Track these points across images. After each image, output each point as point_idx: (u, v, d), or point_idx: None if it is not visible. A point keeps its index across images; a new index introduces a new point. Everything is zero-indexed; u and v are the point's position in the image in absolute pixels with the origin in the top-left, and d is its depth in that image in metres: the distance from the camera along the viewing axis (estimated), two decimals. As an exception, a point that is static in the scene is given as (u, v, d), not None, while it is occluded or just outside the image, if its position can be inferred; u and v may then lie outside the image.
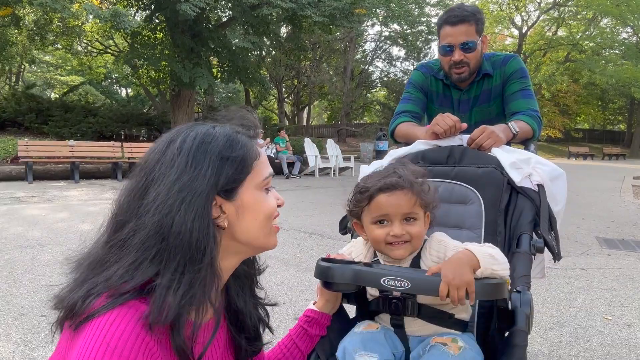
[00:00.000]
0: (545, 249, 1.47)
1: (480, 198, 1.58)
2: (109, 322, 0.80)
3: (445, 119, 1.81)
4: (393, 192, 1.23)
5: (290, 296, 3.77)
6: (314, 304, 1.39)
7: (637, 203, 10.30)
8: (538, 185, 1.61)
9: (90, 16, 15.19)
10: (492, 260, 1.12)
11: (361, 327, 1.30)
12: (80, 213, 7.36)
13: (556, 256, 1.46)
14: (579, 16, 35.98)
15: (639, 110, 39.37)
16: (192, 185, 0.91)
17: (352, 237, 1.62)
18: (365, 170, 1.75)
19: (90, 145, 13.42)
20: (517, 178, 1.61)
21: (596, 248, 5.81)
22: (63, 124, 16.45)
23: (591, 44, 36.30)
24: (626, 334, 3.19)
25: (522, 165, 1.64)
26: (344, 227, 1.71)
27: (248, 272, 1.19)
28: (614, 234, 6.70)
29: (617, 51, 36.62)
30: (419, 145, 1.82)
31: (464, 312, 1.28)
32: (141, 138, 18.84)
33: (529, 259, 1.41)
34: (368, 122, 39.14)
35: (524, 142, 2.04)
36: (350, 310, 1.52)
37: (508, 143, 1.90)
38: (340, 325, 1.39)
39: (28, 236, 5.59)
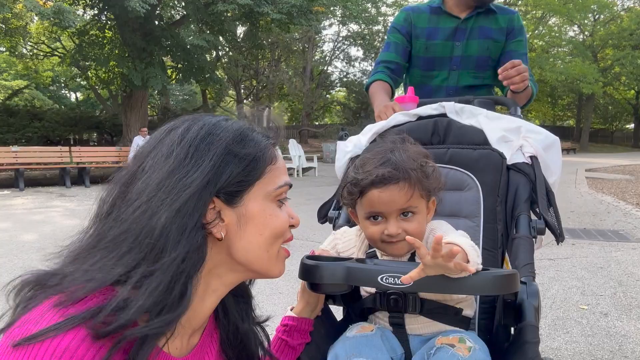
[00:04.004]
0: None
1: (478, 183, 1.39)
2: (56, 354, 0.60)
3: (388, 112, 1.67)
4: (386, 186, 1.06)
5: (257, 301, 3.49)
6: (291, 309, 1.19)
7: (592, 194, 10.57)
8: (531, 157, 1.42)
9: (35, 17, 14.39)
10: (476, 252, 0.96)
11: (354, 331, 1.12)
12: (24, 222, 6.84)
13: (559, 237, 1.26)
14: (528, 16, 37.25)
15: (587, 105, 41.06)
16: (187, 179, 0.75)
17: (333, 228, 1.44)
18: (342, 147, 1.58)
19: (35, 150, 12.62)
20: (508, 154, 1.42)
21: (560, 238, 5.81)
22: (6, 130, 15.52)
23: (541, 43, 37.65)
24: (604, 323, 3.09)
25: (512, 137, 1.45)
26: (324, 216, 1.52)
27: (247, 288, 1.01)
28: (575, 224, 6.77)
29: (565, 49, 38.16)
30: (398, 117, 1.60)
31: (469, 308, 1.12)
32: (92, 142, 18.00)
33: (530, 244, 1.22)
34: (329, 122, 39.14)
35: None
36: (336, 311, 1.33)
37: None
38: (328, 328, 1.20)
39: (-38, 249, 5.08)
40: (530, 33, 37.33)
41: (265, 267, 0.86)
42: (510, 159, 1.41)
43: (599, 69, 35.13)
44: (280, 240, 0.87)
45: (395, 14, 2.26)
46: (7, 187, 11.47)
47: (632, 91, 42.47)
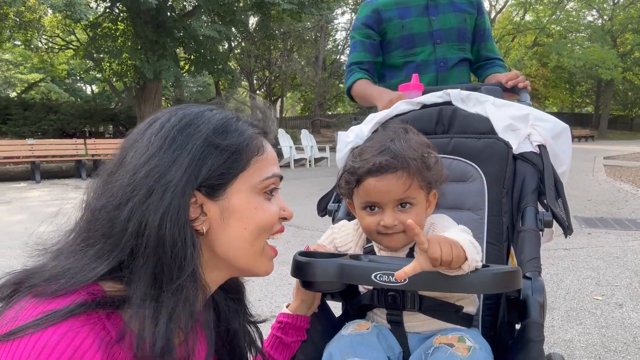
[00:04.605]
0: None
1: (482, 174, 1.34)
2: (37, 349, 0.59)
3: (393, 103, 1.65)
4: (383, 175, 1.02)
5: (266, 292, 3.52)
6: (287, 306, 1.16)
7: (610, 182, 10.35)
8: (539, 146, 1.37)
9: (49, 10, 14.50)
10: (475, 250, 0.91)
11: (349, 329, 1.09)
12: (40, 214, 6.94)
13: (567, 229, 1.21)
14: (545, 0, 36.45)
15: (606, 91, 40.18)
16: (163, 172, 0.72)
17: (332, 221, 1.41)
18: (343, 137, 1.54)
19: (51, 143, 12.78)
20: (515, 143, 1.37)
21: (576, 227, 5.70)
22: (22, 123, 15.75)
23: (558, 28, 36.81)
24: (619, 315, 3.02)
25: (519, 125, 1.40)
26: (323, 209, 1.49)
27: (239, 284, 0.98)
28: (592, 213, 6.64)
29: (583, 34, 37.28)
30: (401, 106, 1.55)
31: (470, 305, 1.08)
32: (107, 135, 18.18)
33: (536, 237, 1.17)
34: (342, 112, 38.92)
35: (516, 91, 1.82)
36: (335, 307, 1.30)
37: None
38: (325, 325, 1.18)
39: (-21, 240, 5.16)
40: (547, 18, 36.52)
41: (250, 263, 0.82)
42: (518, 148, 1.37)
43: (618, 54, 34.28)
44: (267, 234, 0.84)
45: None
46: (24, 180, 11.67)
47: (653, 76, 41.39)
